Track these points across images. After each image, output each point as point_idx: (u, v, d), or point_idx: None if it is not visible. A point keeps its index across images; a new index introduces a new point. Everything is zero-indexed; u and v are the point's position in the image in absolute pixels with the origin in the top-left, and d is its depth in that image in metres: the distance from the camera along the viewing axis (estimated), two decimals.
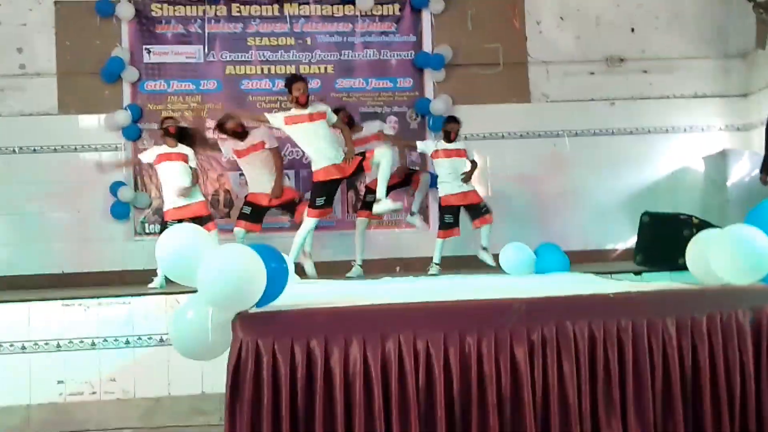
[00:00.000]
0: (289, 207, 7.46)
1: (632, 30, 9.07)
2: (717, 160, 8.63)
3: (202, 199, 7.22)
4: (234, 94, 8.52)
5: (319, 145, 6.71)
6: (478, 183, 7.72)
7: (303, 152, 8.00)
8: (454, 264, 7.61)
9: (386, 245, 7.74)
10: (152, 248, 3.53)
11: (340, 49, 8.70)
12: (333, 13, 8.71)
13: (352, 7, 8.70)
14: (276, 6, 8.64)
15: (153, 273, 6.99)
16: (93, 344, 5.73)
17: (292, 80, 6.80)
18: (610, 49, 8.99)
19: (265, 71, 8.61)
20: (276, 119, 6.82)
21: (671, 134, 8.97)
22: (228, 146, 7.34)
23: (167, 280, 6.73)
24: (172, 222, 6.92)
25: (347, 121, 7.38)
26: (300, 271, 6.77)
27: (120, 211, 8.26)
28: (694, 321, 3.38)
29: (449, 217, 7.39)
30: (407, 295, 3.79)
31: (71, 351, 5.71)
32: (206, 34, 8.52)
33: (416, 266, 7.81)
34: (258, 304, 3.27)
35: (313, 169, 6.81)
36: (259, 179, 7.38)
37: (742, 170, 8.42)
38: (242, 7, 8.60)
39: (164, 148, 7.16)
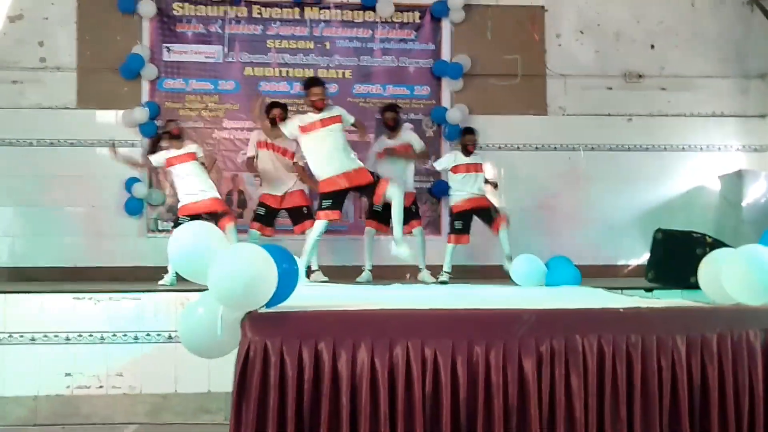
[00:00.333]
0: (297, 214, 7.46)
1: (652, 47, 9.05)
2: (733, 180, 8.59)
3: (216, 194, 7.21)
4: (252, 95, 8.52)
5: (325, 154, 6.51)
6: (491, 193, 7.70)
7: None
8: (464, 273, 7.59)
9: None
10: (164, 245, 3.54)
11: (359, 54, 8.72)
12: (353, 19, 8.73)
13: (372, 13, 8.72)
14: (296, 9, 8.67)
15: (164, 270, 7.01)
16: (102, 338, 5.76)
17: (310, 83, 6.70)
18: (629, 65, 8.97)
19: (284, 74, 8.64)
20: (291, 127, 6.65)
21: (688, 152, 8.93)
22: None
23: (178, 278, 6.74)
24: (184, 218, 6.94)
25: (393, 124, 7.54)
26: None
27: (134, 208, 8.30)
28: (704, 340, 3.36)
29: (459, 223, 7.40)
30: (416, 302, 3.79)
31: (80, 344, 5.73)
32: (226, 35, 8.57)
33: None
34: (267, 305, 3.27)
35: (318, 179, 6.65)
36: (272, 179, 7.43)
37: (758, 191, 8.37)
38: (263, 9, 8.64)
39: (172, 151, 7.17)
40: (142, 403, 5.72)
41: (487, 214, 7.38)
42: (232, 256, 3.20)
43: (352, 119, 6.79)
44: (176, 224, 7.06)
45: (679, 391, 3.29)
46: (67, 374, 5.69)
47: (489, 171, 7.60)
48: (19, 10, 8.44)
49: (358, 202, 8.43)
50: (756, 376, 3.37)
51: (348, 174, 6.51)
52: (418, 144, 7.65)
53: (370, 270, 7.51)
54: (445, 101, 8.74)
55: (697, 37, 9.08)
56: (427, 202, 8.66)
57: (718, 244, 6.12)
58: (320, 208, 6.64)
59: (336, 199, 6.57)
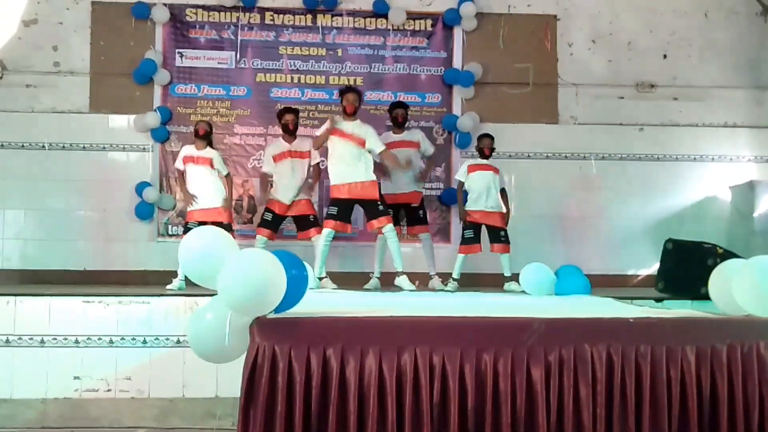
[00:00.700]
0: (303, 221, 7.47)
1: (664, 56, 9.03)
2: (744, 191, 8.56)
3: (225, 204, 7.28)
4: (263, 101, 8.58)
5: (343, 161, 6.90)
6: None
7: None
8: (473, 281, 7.58)
9: (406, 259, 7.73)
10: (174, 250, 3.55)
11: (371, 61, 8.74)
12: (365, 26, 8.75)
13: (384, 20, 8.74)
14: (309, 16, 8.70)
15: (174, 275, 7.03)
16: (111, 342, 5.77)
17: (344, 90, 7.12)
18: (641, 75, 8.95)
19: (295, 80, 8.67)
20: (322, 129, 7.07)
21: (699, 162, 8.90)
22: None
23: (187, 282, 6.77)
24: (192, 223, 7.02)
25: (402, 121, 7.59)
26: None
27: (144, 212, 8.33)
28: (714, 351, 3.34)
29: (469, 232, 7.38)
30: (425, 309, 3.79)
31: (89, 347, 5.74)
32: (239, 41, 8.60)
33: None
34: (276, 310, 3.28)
35: (331, 183, 7.11)
36: (285, 186, 7.43)
37: None
38: (275, 15, 8.67)
39: (192, 150, 7.26)
40: (149, 407, 5.72)
41: (496, 233, 7.34)
42: (241, 261, 3.21)
43: (379, 149, 6.94)
44: (186, 229, 7.11)
45: (689, 403, 3.27)
46: (76, 377, 5.70)
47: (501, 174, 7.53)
48: (33, 14, 8.51)
49: None
50: (766, 389, 3.34)
51: (354, 185, 6.86)
52: (427, 147, 7.64)
53: (378, 277, 7.52)
54: (457, 109, 8.74)
55: (710, 47, 9.06)
56: (436, 210, 8.65)
57: (729, 254, 6.11)
58: (327, 215, 6.95)
59: (341, 208, 6.91)
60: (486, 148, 7.47)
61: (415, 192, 7.57)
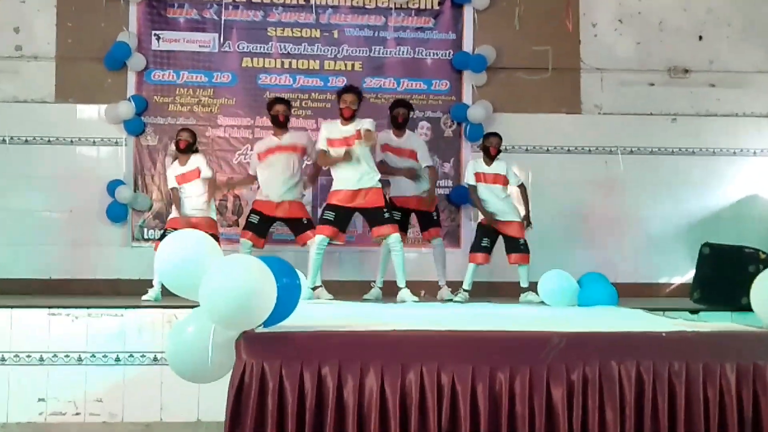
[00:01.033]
0: (296, 225, 7.45)
1: (700, 38, 9.03)
2: None
3: (213, 216, 7.32)
4: (250, 89, 8.58)
5: (346, 166, 6.86)
6: (518, 201, 7.68)
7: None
8: (486, 291, 7.58)
9: (411, 266, 7.72)
10: (150, 256, 3.57)
11: (370, 44, 8.74)
12: (364, 4, 8.75)
13: None
14: None
15: (149, 284, 7.03)
16: (79, 359, 5.77)
17: (343, 90, 7.03)
18: (674, 59, 8.95)
19: (286, 65, 8.67)
20: (320, 141, 7.01)
21: (739, 157, 8.90)
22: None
23: (164, 292, 6.76)
24: (170, 231, 7.02)
25: (403, 121, 7.48)
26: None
27: (117, 214, 8.33)
28: (756, 368, 3.34)
29: (486, 240, 7.37)
30: (432, 322, 3.79)
31: (55, 366, 5.74)
32: (222, 22, 8.60)
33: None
34: (265, 324, 3.28)
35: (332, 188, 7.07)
36: (272, 181, 7.41)
37: None
38: None
39: (177, 168, 7.29)
40: None
41: (514, 243, 7.33)
42: (226, 268, 3.22)
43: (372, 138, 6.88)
44: (163, 236, 7.11)
45: (729, 426, 3.28)
46: (41, 399, 5.70)
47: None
48: None
49: None
50: None
51: (357, 193, 6.84)
52: (424, 156, 7.54)
53: (380, 287, 7.51)
54: (467, 97, 8.74)
55: (752, 27, 9.05)
56: (445, 210, 8.64)
57: None
58: (322, 220, 6.95)
59: (339, 215, 6.90)
60: (492, 147, 7.41)
61: (424, 199, 7.54)
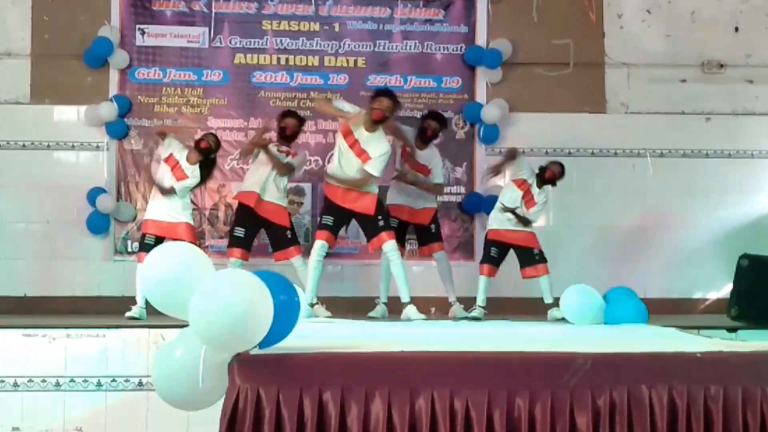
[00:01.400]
0: (276, 236, 7.45)
1: (736, 30, 9.02)
2: None
3: (191, 221, 7.31)
4: (243, 87, 8.59)
5: (347, 162, 6.94)
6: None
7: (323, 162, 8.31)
8: (502, 308, 7.58)
9: (419, 280, 7.71)
10: (134, 270, 3.56)
11: (375, 38, 8.75)
12: None
13: None
14: None
15: (134, 301, 7.04)
16: (57, 385, 5.77)
17: (377, 93, 7.07)
18: (708, 52, 8.95)
19: (282, 62, 8.68)
20: (351, 113, 7.06)
21: None
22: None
23: (150, 311, 6.75)
24: (149, 237, 7.07)
25: (431, 136, 7.63)
26: None
27: (98, 225, 8.33)
28: None
29: (495, 251, 7.38)
30: (444, 343, 3.79)
31: (31, 391, 5.75)
32: (213, 15, 8.62)
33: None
34: (261, 345, 3.28)
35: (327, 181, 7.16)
36: (255, 173, 7.42)
37: None
38: None
39: (182, 156, 7.29)
40: None
41: (528, 254, 7.34)
42: (218, 285, 3.22)
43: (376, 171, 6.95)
44: (143, 244, 7.14)
45: None
46: (15, 428, 5.71)
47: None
48: None
49: None
50: None
51: (350, 192, 6.93)
52: (437, 173, 7.68)
53: (385, 303, 7.51)
54: (480, 96, 8.74)
55: None
56: (457, 219, 8.65)
57: None
58: (320, 225, 7.06)
59: (337, 217, 7.01)
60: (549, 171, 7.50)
61: (427, 209, 7.55)
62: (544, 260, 7.34)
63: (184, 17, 8.64)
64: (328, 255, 7.13)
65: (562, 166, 7.56)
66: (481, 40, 8.78)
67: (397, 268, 6.96)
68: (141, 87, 8.57)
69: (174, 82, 8.60)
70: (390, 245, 6.93)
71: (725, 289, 7.87)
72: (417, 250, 7.91)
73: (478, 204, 8.40)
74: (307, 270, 7.05)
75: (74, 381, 5.78)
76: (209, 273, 3.36)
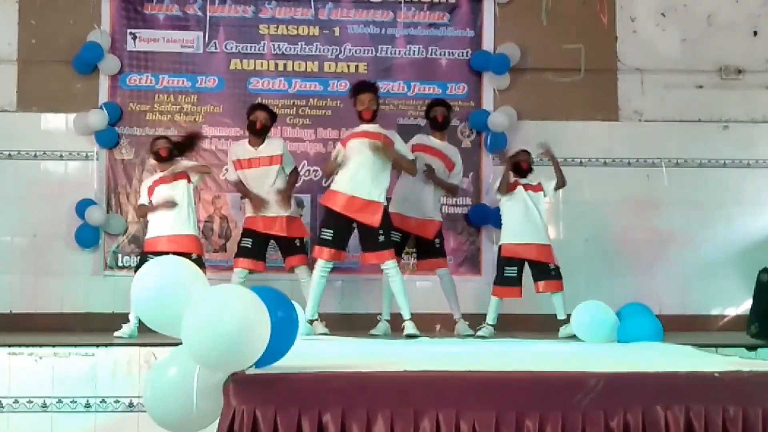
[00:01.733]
0: (287, 245, 7.47)
1: (755, 34, 9.04)
2: None
3: (195, 233, 7.32)
4: (239, 94, 8.59)
5: (353, 169, 6.93)
6: (547, 219, 7.68)
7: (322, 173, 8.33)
8: (510, 324, 7.57)
9: (424, 296, 7.72)
10: (126, 286, 3.56)
11: (377, 43, 8.76)
12: None
13: None
14: None
15: (125, 318, 7.03)
16: (44, 406, 5.77)
17: (356, 90, 7.12)
18: (725, 57, 8.95)
19: (280, 68, 8.70)
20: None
21: None
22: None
23: (141, 328, 6.76)
24: (152, 256, 7.05)
25: (443, 120, 7.67)
26: None
27: (87, 238, 8.34)
28: None
29: (511, 270, 7.36)
30: (450, 362, 3.78)
31: (16, 413, 5.74)
32: (207, 18, 8.64)
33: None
34: (258, 364, 3.28)
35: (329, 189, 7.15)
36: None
37: None
38: None
39: (157, 175, 7.32)
40: None
41: (544, 268, 7.33)
42: (212, 301, 3.22)
43: (401, 149, 7.08)
44: (142, 262, 7.14)
45: None
46: None
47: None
48: None
49: None
50: None
51: (355, 201, 6.86)
52: (459, 173, 7.73)
53: (387, 320, 7.50)
54: (487, 103, 8.75)
55: None
56: (462, 232, 8.65)
57: None
58: (320, 240, 6.97)
59: (337, 229, 6.93)
60: (523, 161, 7.47)
61: (434, 222, 7.53)
62: (559, 277, 7.32)
63: (178, 21, 8.66)
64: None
65: (524, 151, 7.58)
66: (488, 44, 8.79)
67: (397, 285, 6.94)
68: (132, 94, 8.58)
69: (167, 89, 8.61)
70: (390, 265, 6.91)
71: (744, 305, 7.86)
72: (415, 263, 7.89)
73: (485, 216, 8.38)
74: (309, 284, 7.06)
75: (62, 402, 5.78)
76: (204, 288, 3.36)
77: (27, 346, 5.88)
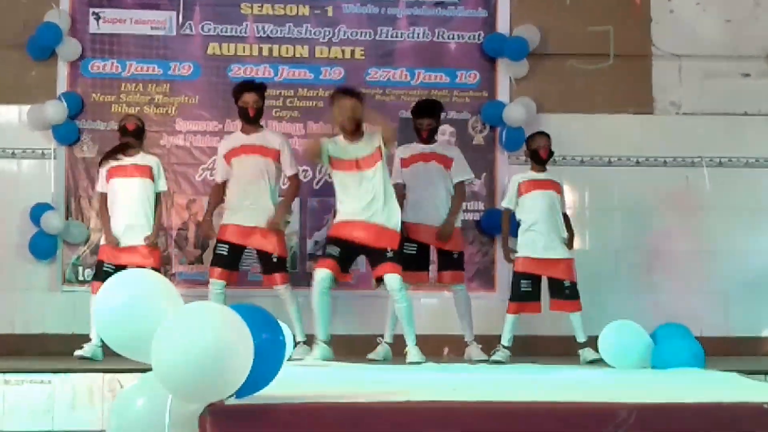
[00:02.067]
0: (264, 260, 7.48)
1: None
2: None
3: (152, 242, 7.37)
4: (218, 83, 8.58)
5: (353, 197, 7.01)
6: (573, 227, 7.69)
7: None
8: (527, 347, 7.57)
9: (430, 317, 7.71)
10: (87, 303, 3.56)
11: (376, 25, 8.76)
12: None
13: None
14: None
15: (86, 339, 7.03)
16: None
17: (336, 95, 7.15)
18: None
19: (265, 53, 8.69)
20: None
21: None
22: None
23: (106, 351, 6.75)
24: (109, 265, 7.11)
25: (427, 136, 7.67)
26: None
27: (43, 248, 8.33)
28: None
29: (527, 283, 7.37)
30: (459, 391, 3.78)
31: None
32: None
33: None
34: (239, 394, 3.28)
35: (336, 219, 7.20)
36: (238, 195, 7.48)
37: None
38: None
39: (116, 162, 7.33)
40: None
41: (559, 286, 7.35)
42: (186, 321, 3.22)
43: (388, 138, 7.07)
44: (100, 272, 7.17)
45: None
46: None
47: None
48: None
49: None
50: None
51: (366, 227, 6.92)
52: (459, 168, 7.70)
53: (389, 342, 7.48)
54: (502, 93, 8.75)
55: None
56: (474, 242, 8.63)
57: None
58: (325, 254, 7.04)
59: (346, 250, 6.99)
60: (542, 148, 7.49)
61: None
62: (575, 295, 7.32)
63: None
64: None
65: (542, 133, 7.62)
66: (503, 26, 8.79)
67: (402, 308, 6.96)
68: (95, 83, 8.57)
69: (135, 77, 8.60)
70: (393, 279, 6.91)
71: None
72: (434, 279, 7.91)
73: (499, 222, 8.39)
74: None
75: None
76: (176, 306, 3.36)
77: None
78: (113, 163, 7.41)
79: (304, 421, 3.23)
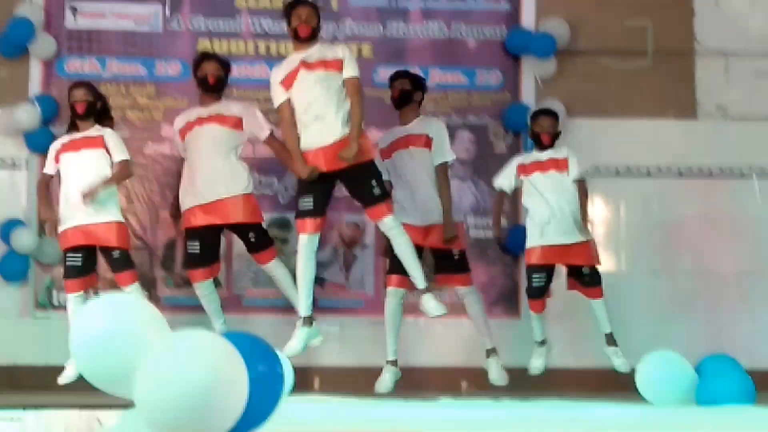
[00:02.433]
0: (245, 237, 7.50)
1: None
2: None
3: (119, 218, 7.36)
4: None
5: (308, 108, 6.92)
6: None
7: None
8: (558, 380, 7.59)
9: (443, 345, 7.73)
10: (62, 330, 3.55)
11: (384, 18, 8.80)
12: None
13: None
14: None
15: (61, 370, 7.04)
16: None
17: (293, 4, 7.07)
18: None
19: (262, 51, 8.73)
20: (275, 90, 7.12)
21: None
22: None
23: (83, 385, 6.75)
24: (73, 256, 7.20)
25: (398, 97, 7.62)
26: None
27: (14, 269, 8.35)
28: None
29: (539, 277, 7.36)
30: (480, 430, 3.78)
31: None
32: None
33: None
34: None
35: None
36: (199, 169, 7.45)
37: None
38: None
39: (68, 137, 7.41)
40: None
41: (578, 271, 7.36)
42: (173, 352, 3.21)
43: (353, 72, 7.03)
44: (66, 269, 7.20)
45: None
46: None
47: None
48: None
49: (380, 264, 8.34)
50: None
51: (330, 148, 6.82)
52: (440, 147, 7.58)
53: (392, 359, 7.32)
54: (527, 95, 8.77)
55: None
56: (496, 262, 8.61)
57: None
58: (300, 212, 6.88)
59: (318, 193, 6.85)
60: (544, 133, 7.48)
61: (437, 227, 7.50)
62: (595, 282, 7.32)
63: None
64: (321, 310, 7.10)
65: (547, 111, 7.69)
66: (528, 20, 8.83)
67: (401, 246, 6.88)
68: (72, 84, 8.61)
69: (117, 78, 8.65)
70: (388, 221, 6.85)
71: None
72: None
73: (523, 241, 8.38)
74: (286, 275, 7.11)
75: None
76: (162, 335, 3.36)
77: None
78: (64, 140, 7.43)
79: None
